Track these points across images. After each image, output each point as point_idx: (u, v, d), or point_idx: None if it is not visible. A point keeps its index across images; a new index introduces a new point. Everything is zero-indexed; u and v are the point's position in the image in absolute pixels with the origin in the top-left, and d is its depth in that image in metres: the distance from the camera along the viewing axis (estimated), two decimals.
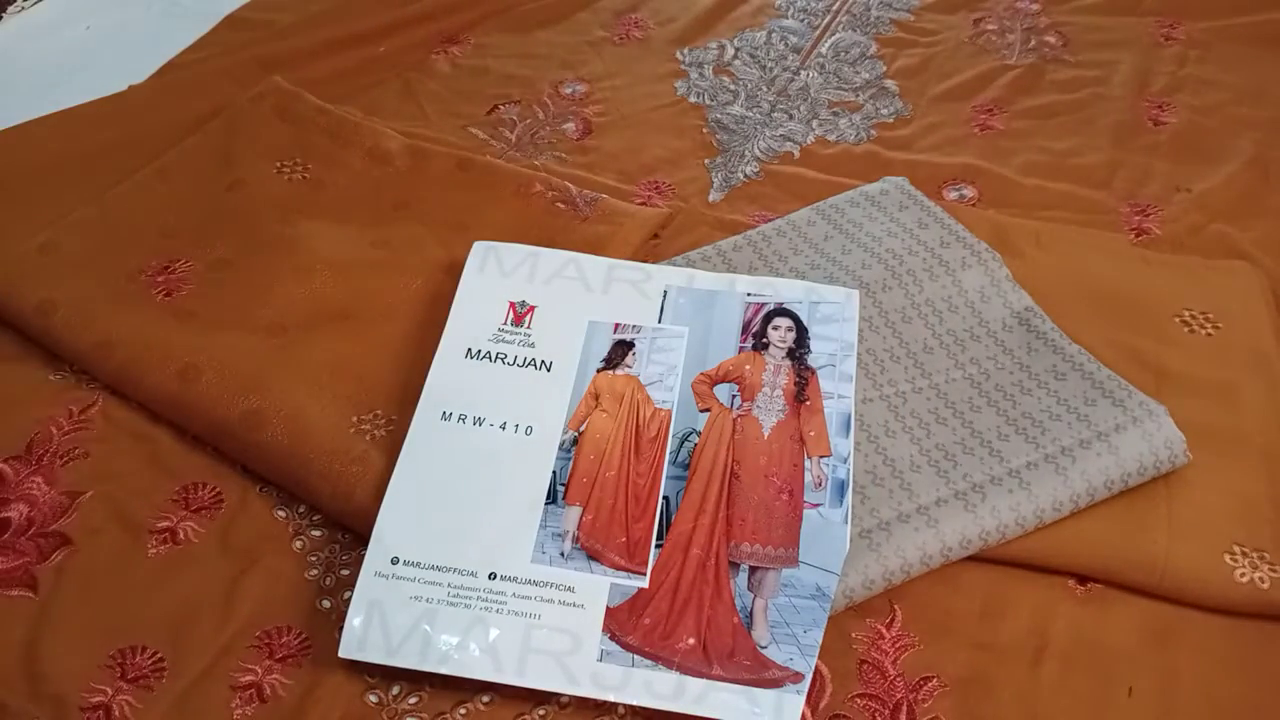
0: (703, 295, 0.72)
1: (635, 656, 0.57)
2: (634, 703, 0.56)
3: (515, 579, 0.59)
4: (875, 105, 0.98)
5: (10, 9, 1.12)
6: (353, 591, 0.59)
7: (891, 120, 0.96)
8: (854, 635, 0.60)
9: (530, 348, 0.69)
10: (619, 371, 0.68)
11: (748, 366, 0.68)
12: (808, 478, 0.63)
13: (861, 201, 0.81)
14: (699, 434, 0.65)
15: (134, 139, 0.88)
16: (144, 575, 0.62)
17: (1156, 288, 0.77)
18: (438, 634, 0.57)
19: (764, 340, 0.69)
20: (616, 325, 0.70)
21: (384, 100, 0.97)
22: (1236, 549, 0.61)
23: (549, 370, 0.68)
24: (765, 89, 1.01)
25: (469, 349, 0.69)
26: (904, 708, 0.57)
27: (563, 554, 0.60)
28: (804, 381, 0.67)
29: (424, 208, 0.83)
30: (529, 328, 0.70)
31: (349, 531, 0.64)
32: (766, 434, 0.65)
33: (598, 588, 0.59)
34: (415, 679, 0.58)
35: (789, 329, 0.70)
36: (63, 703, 0.56)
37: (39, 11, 1.08)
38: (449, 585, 0.59)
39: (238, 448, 0.67)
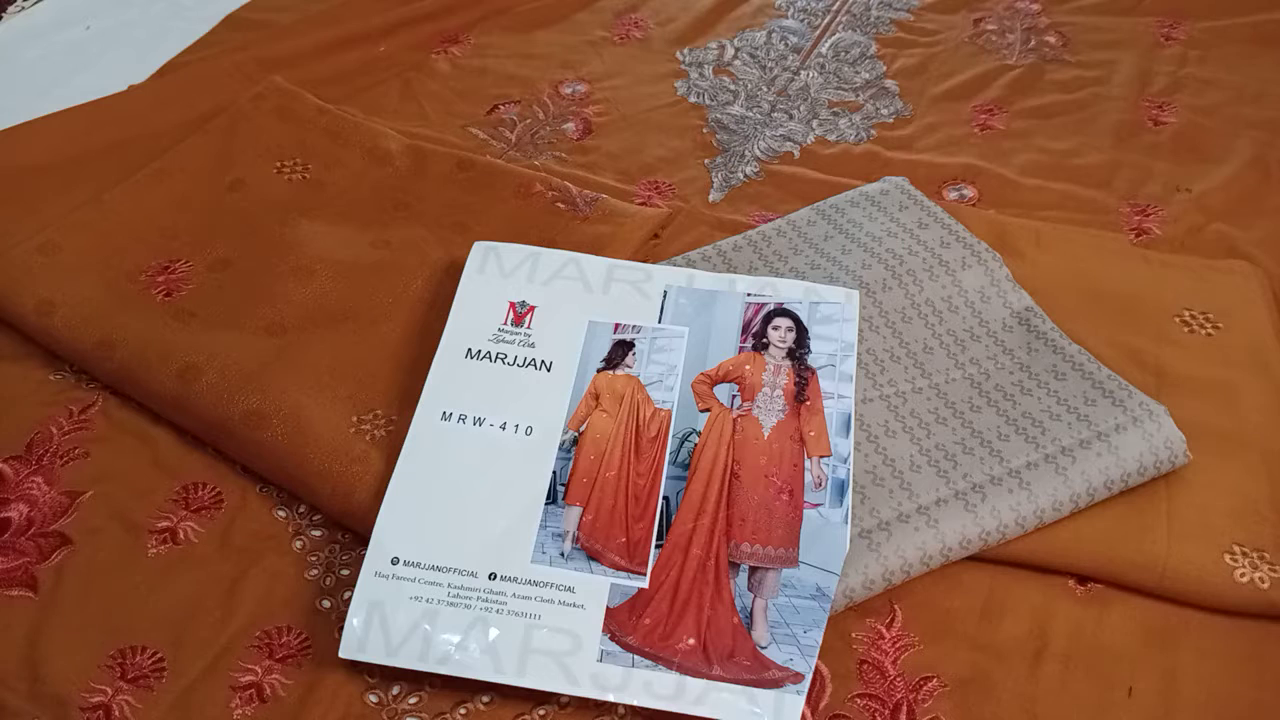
0: (703, 295, 0.72)
1: (635, 657, 0.57)
2: (634, 703, 0.56)
3: (515, 579, 0.59)
4: (875, 105, 0.98)
5: (10, 9, 1.12)
6: (353, 591, 0.59)
7: (891, 120, 0.96)
8: (854, 635, 0.60)
9: (530, 348, 0.69)
10: (619, 371, 0.68)
11: (748, 366, 0.68)
12: (808, 478, 0.63)
13: (861, 201, 0.81)
14: (699, 434, 0.65)
15: (134, 139, 0.88)
16: (144, 575, 0.62)
17: (1156, 288, 0.77)
18: (438, 634, 0.57)
19: (764, 340, 0.69)
20: (617, 325, 0.70)
21: (384, 100, 0.97)
22: (1236, 549, 0.61)
23: (549, 370, 0.68)
24: (765, 89, 1.01)
25: (469, 349, 0.69)
26: (904, 708, 0.57)
27: (563, 554, 0.60)
28: (804, 381, 0.67)
29: (424, 208, 0.83)
30: (529, 328, 0.70)
31: (349, 531, 0.64)
32: (766, 434, 0.65)
33: (598, 588, 0.59)
34: (415, 679, 0.58)
35: (789, 329, 0.70)
36: (63, 703, 0.56)
37: (39, 11, 1.08)
38: (449, 585, 0.59)
39: (238, 448, 0.67)
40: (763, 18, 1.10)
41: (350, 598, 0.58)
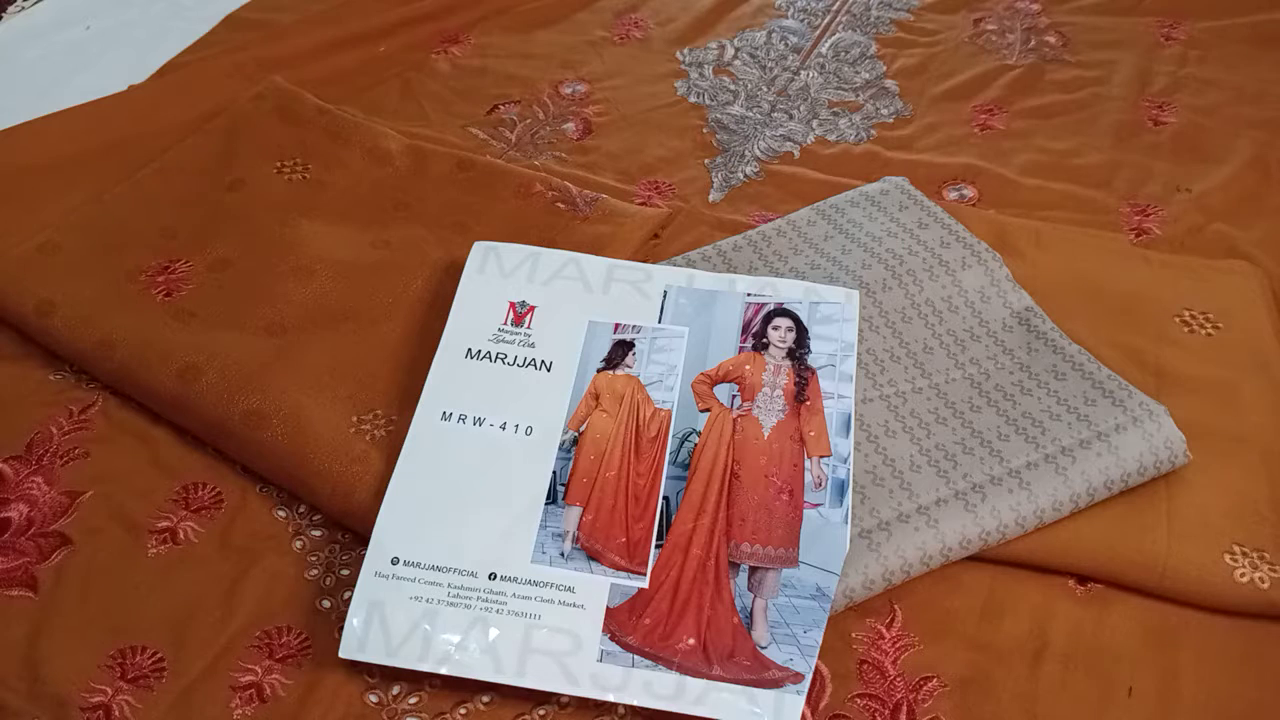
0: (703, 295, 0.72)
1: (635, 657, 0.57)
2: (634, 703, 0.56)
3: (515, 579, 0.59)
4: (875, 105, 0.98)
5: (10, 9, 1.12)
6: (353, 591, 0.59)
7: (891, 120, 0.96)
8: (854, 635, 0.60)
9: (530, 348, 0.69)
10: (619, 371, 0.68)
11: (748, 366, 0.68)
12: (808, 478, 0.63)
13: (861, 201, 0.81)
14: (699, 434, 0.65)
15: (134, 139, 0.88)
16: (144, 575, 0.62)
17: (1156, 288, 0.77)
18: (438, 634, 0.57)
19: (764, 340, 0.69)
20: (617, 325, 0.70)
21: (384, 100, 0.97)
22: (1236, 549, 0.61)
23: (549, 370, 0.68)
24: (765, 89, 1.01)
25: (469, 349, 0.69)
26: (904, 708, 0.57)
27: (563, 554, 0.60)
28: (804, 381, 0.67)
29: (424, 208, 0.83)
30: (529, 328, 0.70)
31: (349, 531, 0.64)
32: (766, 434, 0.65)
33: (598, 588, 0.59)
34: (415, 679, 0.58)
35: (789, 329, 0.70)
36: (63, 703, 0.56)
37: (39, 11, 1.08)
38: (449, 585, 0.59)
39: (238, 447, 0.67)
40: (763, 18, 1.10)
41: (350, 598, 0.58)
